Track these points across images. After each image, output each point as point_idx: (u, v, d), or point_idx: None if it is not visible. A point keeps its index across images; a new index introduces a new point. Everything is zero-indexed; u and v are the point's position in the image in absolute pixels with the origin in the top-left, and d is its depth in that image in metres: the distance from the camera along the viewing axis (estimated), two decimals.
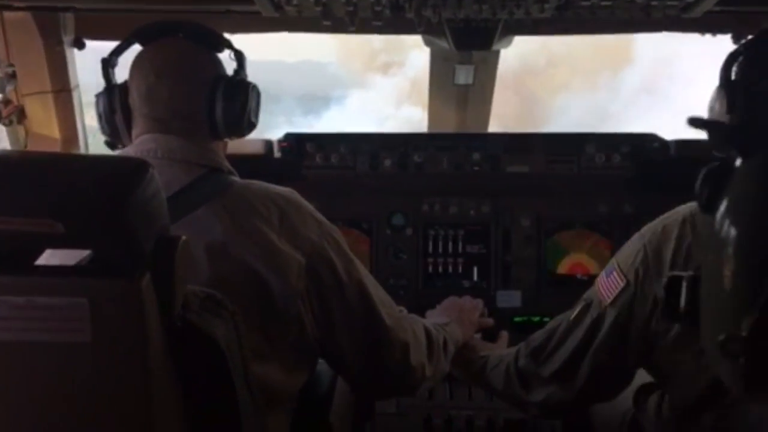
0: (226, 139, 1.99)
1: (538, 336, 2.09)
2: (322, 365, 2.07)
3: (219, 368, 1.42)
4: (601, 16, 2.13)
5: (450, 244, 3.05)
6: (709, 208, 1.30)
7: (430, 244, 3.06)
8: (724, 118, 1.81)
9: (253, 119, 2.02)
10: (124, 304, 1.27)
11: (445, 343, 2.22)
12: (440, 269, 3.05)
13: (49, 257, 1.35)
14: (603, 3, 2.01)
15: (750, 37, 2.33)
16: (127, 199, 1.23)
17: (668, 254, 1.76)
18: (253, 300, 1.75)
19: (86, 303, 1.25)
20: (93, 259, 1.32)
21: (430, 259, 3.06)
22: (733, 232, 1.23)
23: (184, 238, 1.36)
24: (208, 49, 1.98)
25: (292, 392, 1.92)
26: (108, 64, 2.02)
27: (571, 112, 11.39)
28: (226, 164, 1.94)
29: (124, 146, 1.98)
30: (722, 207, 1.27)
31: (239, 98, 1.95)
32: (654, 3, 2.00)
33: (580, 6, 2.04)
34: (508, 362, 2.15)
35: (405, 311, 2.14)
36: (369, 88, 12.57)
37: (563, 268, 3.05)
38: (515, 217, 3.05)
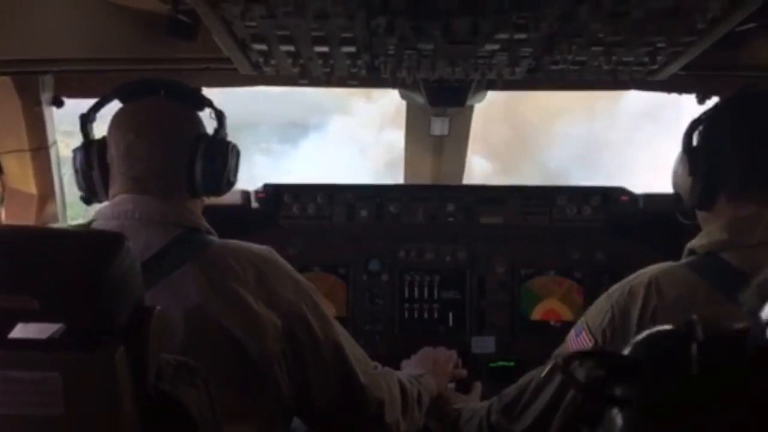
0: (204, 197, 2.02)
1: (510, 392, 2.12)
2: (296, 421, 2.09)
3: None
4: (570, 78, 2.20)
5: (426, 290, 3.09)
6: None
7: (407, 289, 3.09)
8: (687, 181, 1.88)
9: (232, 178, 2.05)
10: (98, 377, 1.28)
11: (419, 395, 2.24)
12: (416, 315, 3.08)
13: (21, 328, 1.35)
14: (572, 67, 2.07)
15: (714, 98, 2.43)
16: (101, 275, 1.25)
17: (635, 316, 1.80)
18: (229, 362, 1.76)
19: (59, 377, 1.26)
20: (66, 331, 1.33)
21: (407, 305, 3.08)
22: None
23: (158, 308, 1.38)
24: (188, 107, 2.01)
25: None
26: (86, 119, 2.04)
27: (568, 141, 10.84)
28: (204, 223, 1.95)
29: (100, 202, 2.00)
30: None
31: (219, 158, 1.98)
32: (620, 68, 2.06)
33: (549, 69, 2.10)
34: (481, 416, 2.17)
35: (380, 367, 2.16)
36: (352, 114, 12.47)
37: (537, 314, 3.09)
38: (490, 264, 3.09)
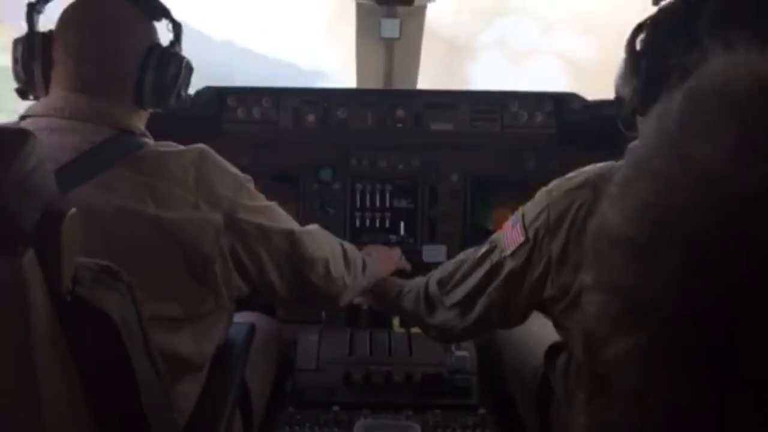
0: (150, 110, 1.94)
1: (447, 266, 2.17)
2: (236, 325, 2.11)
3: (113, 342, 1.39)
4: None
5: (378, 199, 3.04)
6: None
7: (358, 198, 3.04)
8: (629, 85, 1.81)
9: (182, 93, 1.98)
10: (5, 281, 1.22)
11: (363, 264, 2.33)
12: (368, 223, 3.04)
13: None
14: None
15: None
16: (1, 174, 1.17)
17: (569, 218, 1.76)
18: (166, 268, 1.74)
19: None
20: None
21: (358, 214, 3.04)
22: None
23: (73, 210, 1.31)
24: (146, 16, 1.90)
25: (205, 359, 1.93)
26: (33, 9, 1.91)
27: None
28: (140, 128, 1.88)
29: (37, 97, 1.90)
30: None
31: (171, 71, 1.90)
32: None
33: None
34: (420, 287, 2.23)
35: (318, 226, 2.22)
36: None
37: (489, 223, 3.07)
38: (443, 173, 3.04)
